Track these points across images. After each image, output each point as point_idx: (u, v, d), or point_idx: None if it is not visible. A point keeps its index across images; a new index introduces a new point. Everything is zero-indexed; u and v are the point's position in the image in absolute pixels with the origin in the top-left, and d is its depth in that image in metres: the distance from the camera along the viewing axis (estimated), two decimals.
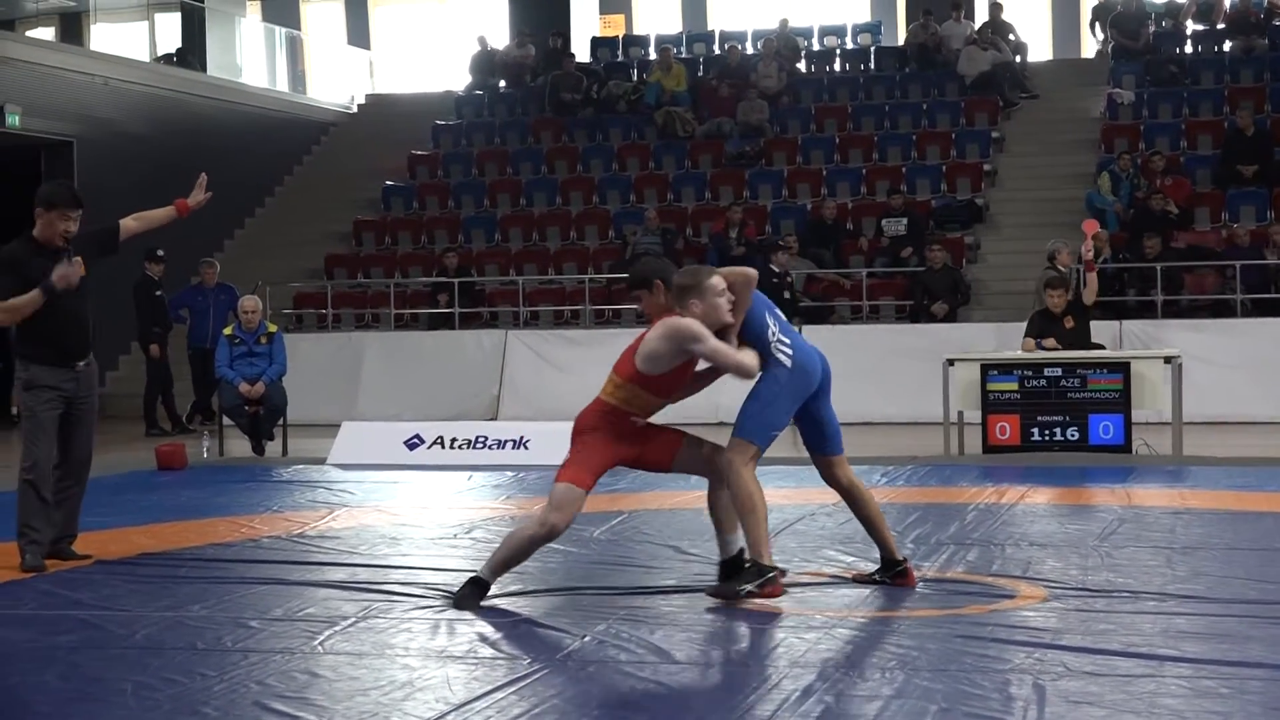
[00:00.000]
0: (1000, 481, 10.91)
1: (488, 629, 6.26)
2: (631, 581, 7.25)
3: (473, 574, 6.89)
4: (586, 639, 6.03)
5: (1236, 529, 8.89)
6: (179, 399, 17.82)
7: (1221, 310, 17.66)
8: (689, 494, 10.11)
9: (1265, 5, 23.84)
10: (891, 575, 7.07)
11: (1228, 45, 23.71)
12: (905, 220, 19.80)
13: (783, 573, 6.94)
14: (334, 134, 26.73)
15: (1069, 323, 13.26)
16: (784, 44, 24.92)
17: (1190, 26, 24.53)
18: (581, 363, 16.86)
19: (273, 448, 14.05)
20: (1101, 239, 17.77)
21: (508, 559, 6.84)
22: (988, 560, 7.75)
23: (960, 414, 13.17)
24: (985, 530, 8.76)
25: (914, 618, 6.43)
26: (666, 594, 6.93)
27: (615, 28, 29.90)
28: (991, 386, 12.75)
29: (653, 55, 26.11)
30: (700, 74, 24.99)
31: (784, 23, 25.71)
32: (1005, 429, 12.71)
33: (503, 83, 26.28)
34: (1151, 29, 24.26)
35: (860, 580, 7.17)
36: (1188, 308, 17.93)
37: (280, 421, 14.04)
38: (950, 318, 17.85)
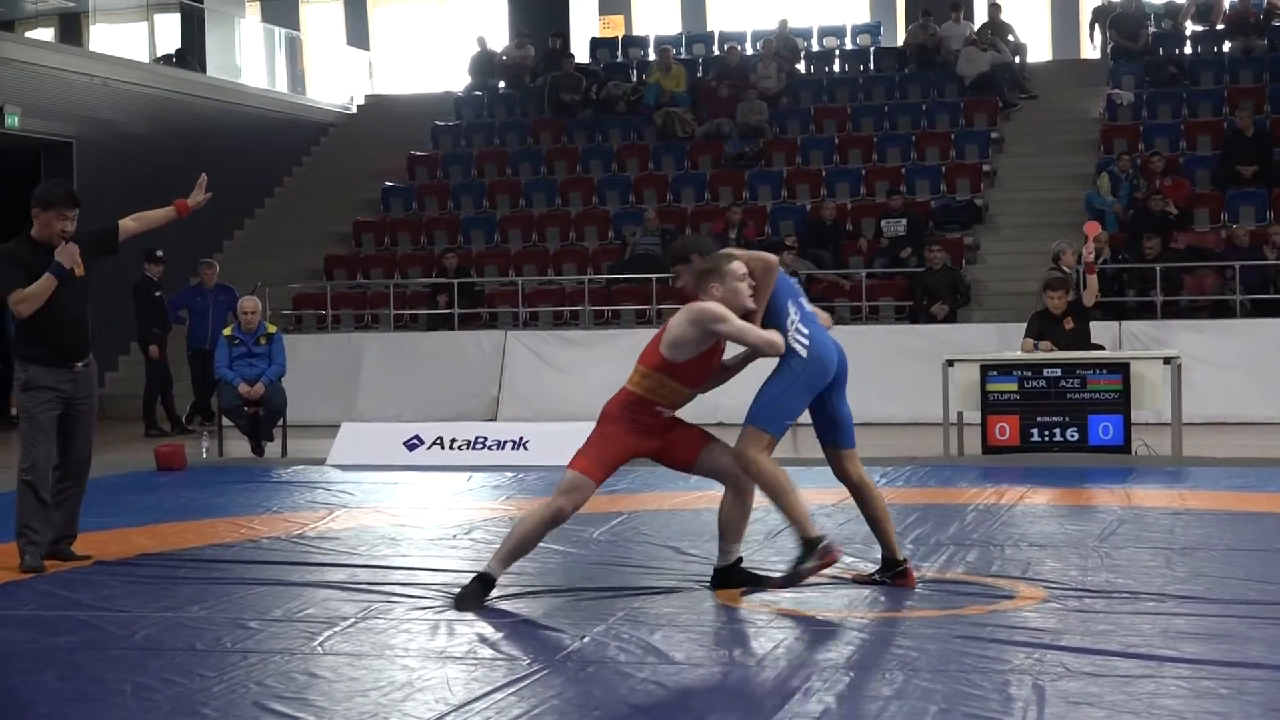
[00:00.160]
0: (1000, 482, 10.91)
1: (487, 629, 6.26)
2: (631, 582, 7.25)
3: (478, 572, 6.88)
4: (586, 640, 6.03)
5: (1236, 530, 8.89)
6: (178, 400, 17.82)
7: (1221, 311, 17.66)
8: (688, 495, 10.12)
9: (1264, 6, 23.84)
10: (891, 575, 7.07)
11: (1227, 46, 23.70)
12: (905, 221, 19.80)
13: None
14: (333, 135, 26.73)
15: (1069, 324, 13.25)
16: (783, 45, 24.92)
17: (1189, 27, 24.52)
18: (581, 363, 16.87)
19: (272, 448, 14.05)
20: (1102, 240, 17.78)
21: (515, 549, 6.86)
22: (987, 561, 7.75)
23: (960, 414, 13.17)
24: (985, 531, 8.76)
25: (913, 618, 6.43)
26: (666, 595, 6.93)
27: (614, 28, 29.89)
28: (991, 387, 12.76)
29: (652, 56, 26.11)
30: (699, 75, 24.99)
31: (783, 23, 25.71)
32: (1005, 429, 12.72)
33: (502, 83, 26.28)
34: (1151, 30, 24.27)
35: (859, 580, 7.17)
36: (1187, 308, 17.93)
37: (280, 422, 14.04)
38: (950, 318, 17.85)
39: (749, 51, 25.39)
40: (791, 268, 17.50)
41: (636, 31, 29.47)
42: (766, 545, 8.27)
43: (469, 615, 6.55)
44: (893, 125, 23.05)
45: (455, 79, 27.19)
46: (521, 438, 13.24)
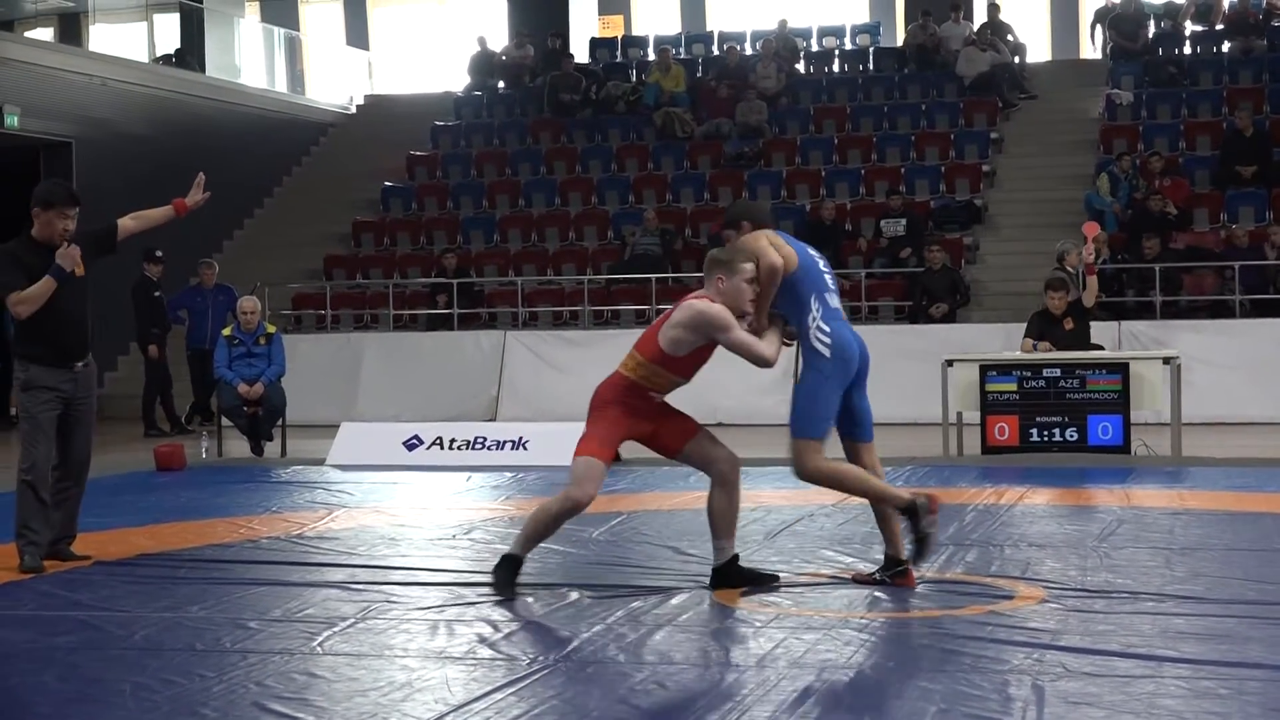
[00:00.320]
0: (999, 482, 10.91)
1: (487, 630, 6.26)
2: (630, 582, 7.25)
3: (504, 555, 7.02)
4: (585, 640, 6.03)
5: (1235, 530, 8.89)
6: (178, 400, 17.82)
7: (1220, 311, 17.67)
8: (688, 495, 10.13)
9: (1264, 6, 23.85)
10: (892, 574, 7.07)
11: (1226, 46, 23.71)
12: (904, 221, 19.81)
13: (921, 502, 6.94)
14: (333, 135, 26.73)
15: (1068, 324, 13.25)
16: (783, 45, 24.92)
17: (1189, 27, 24.52)
18: (580, 363, 16.85)
19: (271, 448, 14.05)
20: (1101, 240, 17.79)
21: (535, 534, 7.01)
22: (986, 561, 7.75)
23: (959, 415, 13.17)
24: (984, 531, 8.76)
25: (913, 618, 6.44)
26: (666, 595, 6.93)
27: (614, 28, 29.90)
28: (990, 387, 12.76)
29: (651, 56, 26.11)
30: (699, 75, 24.99)
31: (783, 23, 25.71)
32: (1004, 430, 12.72)
33: (501, 83, 26.29)
34: (1150, 30, 24.27)
35: (859, 581, 7.17)
36: (1187, 308, 17.93)
37: (279, 422, 14.04)
38: (949, 318, 17.85)
39: (748, 51, 25.39)
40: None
41: (636, 31, 29.47)
42: (766, 545, 8.28)
43: (467, 615, 6.56)
44: (892, 125, 23.05)
45: (455, 79, 27.19)
46: (521, 438, 13.24)
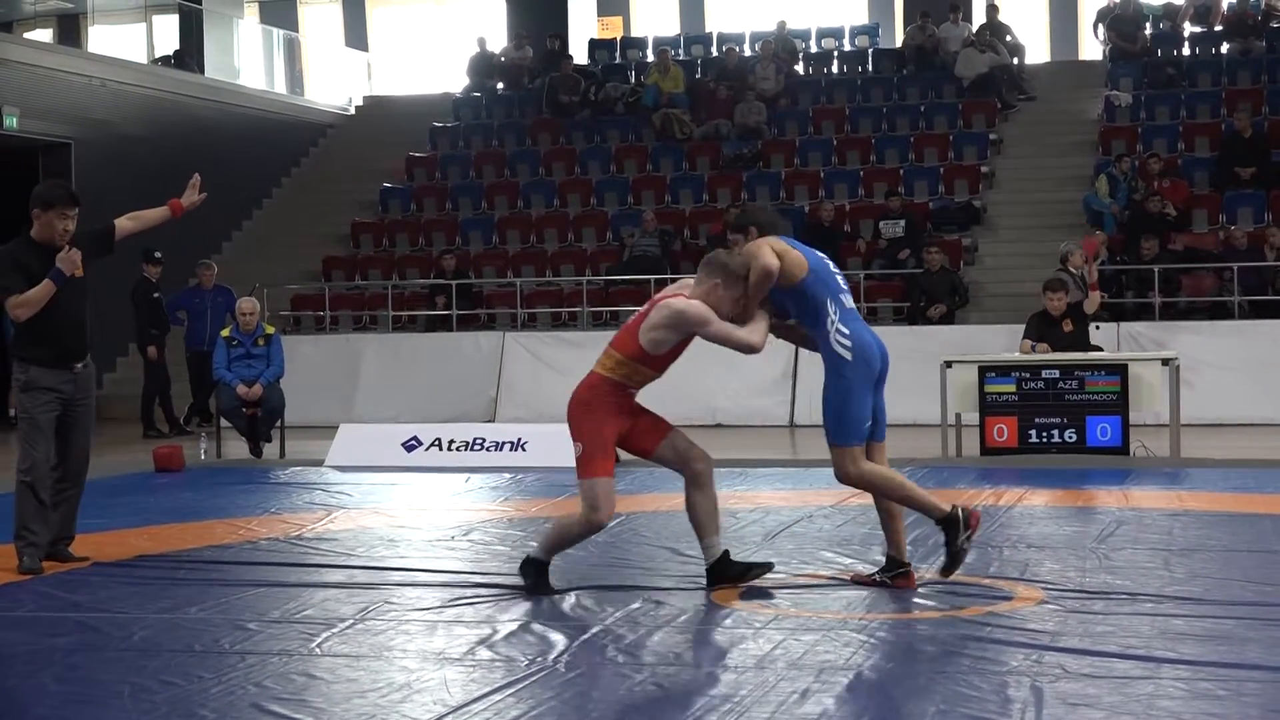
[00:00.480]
0: (998, 483, 10.91)
1: (485, 631, 6.26)
2: (629, 583, 7.25)
3: (529, 556, 7.13)
4: (584, 641, 6.03)
5: (1234, 531, 8.88)
6: (176, 401, 17.82)
7: (1219, 312, 17.67)
8: None
9: (1262, 7, 23.86)
10: (892, 576, 7.06)
11: (1225, 47, 23.73)
12: (903, 222, 19.81)
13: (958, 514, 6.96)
14: (332, 136, 26.73)
15: (1067, 326, 13.24)
16: (782, 46, 24.93)
17: (1188, 29, 24.53)
18: (579, 364, 16.63)
19: (270, 450, 14.04)
20: (1101, 241, 17.80)
21: (558, 544, 7.14)
22: (985, 562, 7.75)
23: (958, 416, 13.16)
24: (983, 532, 8.73)
25: (911, 620, 6.43)
26: (664, 596, 6.93)
27: (613, 30, 29.91)
28: (989, 388, 12.75)
29: (650, 57, 26.11)
30: (698, 76, 25.00)
31: (782, 25, 25.72)
32: (1003, 431, 12.72)
33: (500, 85, 26.29)
34: (1149, 31, 24.28)
35: (858, 581, 7.16)
36: (1185, 310, 17.94)
37: (278, 423, 14.03)
38: (948, 320, 17.84)
39: (747, 53, 25.40)
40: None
41: (635, 33, 29.49)
42: (765, 546, 8.28)
43: (466, 616, 6.58)
44: (891, 126, 23.06)
45: (454, 80, 27.20)
46: (520, 439, 13.24)
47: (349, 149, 25.96)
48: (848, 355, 6.85)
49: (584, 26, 29.24)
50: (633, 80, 25.36)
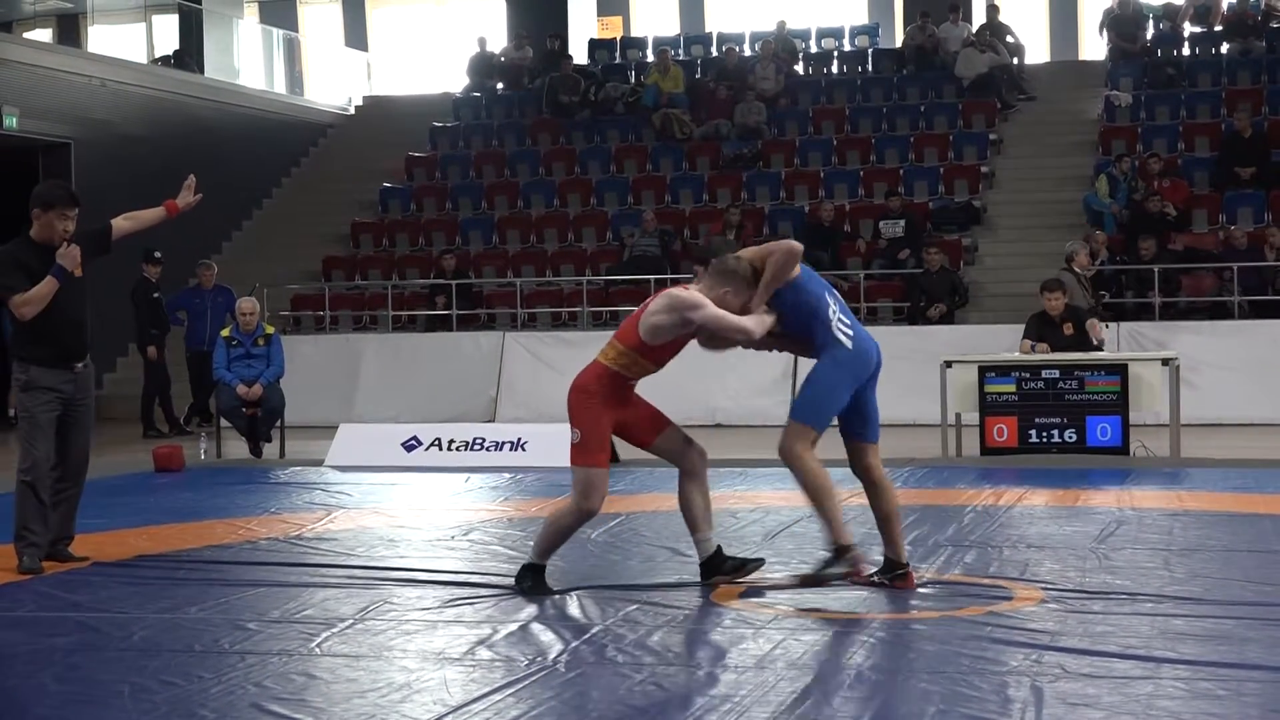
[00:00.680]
0: (998, 483, 10.91)
1: (485, 631, 6.26)
2: (629, 583, 7.25)
3: (525, 563, 7.16)
4: (584, 641, 6.03)
5: (1234, 531, 8.88)
6: (176, 401, 17.82)
7: (1219, 312, 17.67)
8: None
9: (1262, 7, 23.86)
10: (891, 577, 7.06)
11: (1225, 47, 23.72)
12: (903, 222, 19.81)
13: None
14: (331, 136, 26.73)
15: (1068, 330, 13.22)
16: (781, 46, 24.93)
17: (1188, 29, 24.52)
18: (579, 364, 16.60)
19: (270, 450, 14.04)
20: (1100, 241, 17.81)
21: (551, 543, 7.14)
22: (985, 562, 7.75)
23: (958, 416, 13.16)
24: (983, 532, 8.76)
25: (911, 619, 6.43)
26: (664, 596, 6.93)
27: (613, 29, 29.91)
28: (989, 388, 12.75)
29: (650, 57, 26.11)
30: (698, 76, 25.00)
31: (781, 25, 25.71)
32: (1003, 431, 12.72)
33: (500, 85, 26.29)
34: (1149, 31, 24.27)
35: (859, 581, 7.16)
36: (1185, 310, 17.94)
37: (278, 423, 14.03)
38: (947, 320, 17.84)
39: (747, 53, 25.40)
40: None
41: (635, 33, 29.48)
42: (765, 546, 8.27)
43: (466, 616, 6.59)
44: (891, 126, 23.05)
45: (453, 80, 27.20)
46: (519, 439, 13.24)
47: (349, 149, 25.96)
48: (847, 344, 6.86)
49: (584, 26, 29.23)
50: (633, 80, 25.36)
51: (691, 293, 6.85)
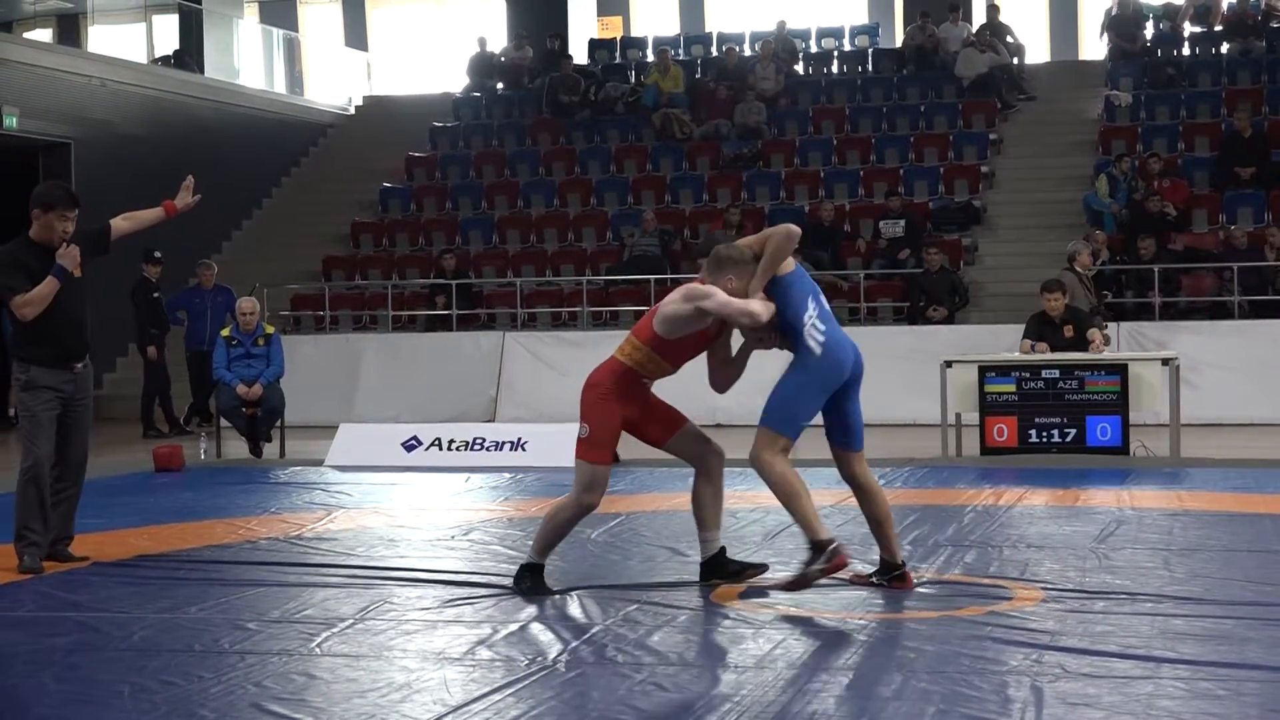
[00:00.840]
0: (998, 483, 10.91)
1: (485, 631, 6.26)
2: (629, 583, 7.25)
3: (523, 562, 7.15)
4: (584, 641, 6.03)
5: (1234, 531, 8.88)
6: (176, 401, 17.82)
7: (1219, 312, 17.68)
8: (686, 496, 10.06)
9: (1262, 7, 23.86)
10: (889, 578, 7.06)
11: (1225, 47, 23.72)
12: (903, 222, 19.81)
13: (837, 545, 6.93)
14: (331, 136, 26.73)
15: (1068, 331, 13.21)
16: (781, 46, 24.93)
17: (1188, 29, 24.52)
18: (579, 364, 16.65)
19: (270, 449, 14.04)
20: (1100, 241, 17.80)
21: (551, 539, 7.14)
22: (985, 562, 7.75)
23: (958, 416, 13.16)
24: (983, 532, 8.76)
25: (911, 619, 6.43)
26: (664, 596, 6.93)
27: (613, 29, 29.91)
28: (989, 388, 12.75)
29: (650, 57, 26.11)
30: (698, 76, 25.00)
31: (781, 24, 25.71)
32: (1003, 431, 12.72)
33: (500, 84, 26.29)
34: (1149, 31, 24.27)
35: (857, 581, 7.16)
36: (1185, 310, 17.94)
37: (278, 423, 14.03)
38: (947, 320, 17.84)
39: (747, 52, 25.40)
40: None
41: (635, 33, 29.48)
42: (765, 546, 8.27)
43: (466, 616, 6.59)
44: (891, 126, 23.05)
45: (453, 80, 27.20)
46: (519, 439, 13.24)
47: (349, 149, 25.96)
48: (817, 350, 6.81)
49: (584, 26, 29.23)
50: (633, 80, 25.36)
51: (706, 285, 6.87)
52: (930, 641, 5.97)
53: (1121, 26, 23.84)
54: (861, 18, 28.58)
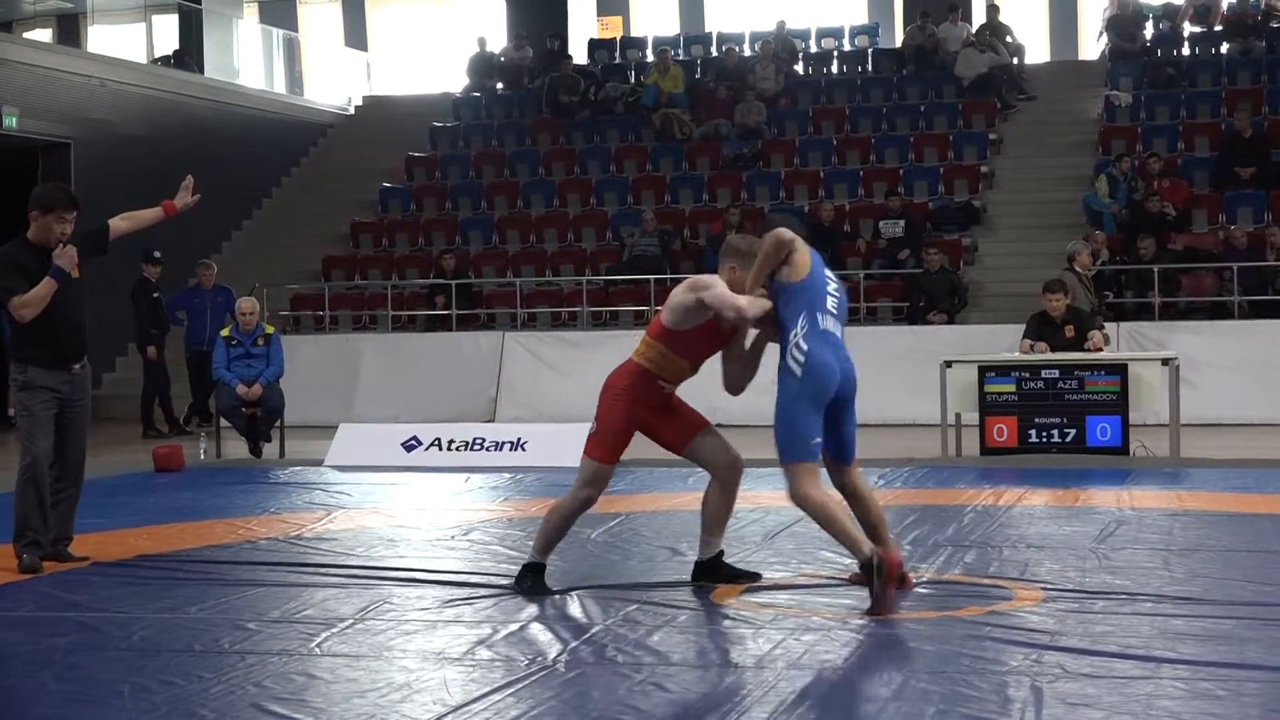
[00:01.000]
0: (998, 483, 10.90)
1: (485, 631, 6.26)
2: (629, 583, 7.25)
3: (525, 563, 7.17)
4: (584, 641, 6.03)
5: (1234, 531, 8.88)
6: (176, 401, 17.82)
7: (1219, 312, 17.67)
8: (686, 496, 10.12)
9: (1262, 7, 23.86)
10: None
11: (1225, 47, 23.72)
12: (903, 222, 19.81)
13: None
14: (331, 136, 26.73)
15: (1069, 332, 13.20)
16: (781, 46, 24.92)
17: (1187, 28, 24.53)
18: (579, 364, 16.84)
19: (270, 449, 14.04)
20: (1099, 240, 17.80)
21: (551, 537, 7.15)
22: (985, 562, 7.75)
23: (958, 416, 13.16)
24: (983, 532, 8.76)
25: (911, 619, 6.43)
26: (664, 596, 6.93)
27: (613, 29, 29.91)
28: (989, 388, 12.75)
29: (650, 57, 26.11)
30: (698, 76, 24.99)
31: (781, 24, 25.71)
32: (1003, 431, 12.71)
33: (500, 85, 26.29)
34: (1149, 31, 24.27)
35: (858, 581, 7.15)
36: (1185, 310, 17.94)
37: (277, 423, 14.04)
38: (947, 320, 17.84)
39: (747, 53, 25.39)
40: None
41: (635, 33, 29.48)
42: (765, 546, 8.28)
43: (466, 616, 6.59)
44: (891, 126, 23.05)
45: (453, 80, 27.19)
46: (519, 439, 13.23)
47: (349, 149, 25.96)
48: (796, 371, 6.73)
49: (584, 26, 29.23)
50: (633, 80, 25.36)
51: (707, 275, 6.94)
52: (930, 641, 5.98)
53: (1121, 27, 23.84)
54: (861, 18, 28.58)
